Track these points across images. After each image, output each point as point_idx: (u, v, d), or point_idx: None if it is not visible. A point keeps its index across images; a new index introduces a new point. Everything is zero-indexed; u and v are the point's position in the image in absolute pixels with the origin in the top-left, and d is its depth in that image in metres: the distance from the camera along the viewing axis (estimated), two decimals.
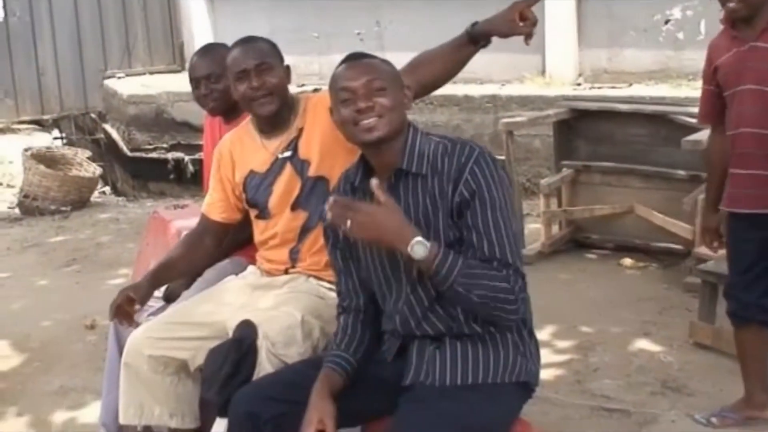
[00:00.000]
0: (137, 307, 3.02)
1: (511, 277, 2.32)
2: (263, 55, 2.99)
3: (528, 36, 2.98)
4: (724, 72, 3.41)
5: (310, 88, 6.07)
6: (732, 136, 3.42)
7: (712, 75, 3.49)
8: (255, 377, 2.70)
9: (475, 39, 3.02)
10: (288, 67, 3.06)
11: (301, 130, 3.02)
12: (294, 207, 3.02)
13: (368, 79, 2.44)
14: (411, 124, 2.51)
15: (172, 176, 9.73)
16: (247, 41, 3.04)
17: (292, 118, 3.03)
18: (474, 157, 2.39)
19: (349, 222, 2.31)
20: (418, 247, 2.28)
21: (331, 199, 2.38)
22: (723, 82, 3.43)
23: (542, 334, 4.40)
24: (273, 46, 3.06)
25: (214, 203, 3.21)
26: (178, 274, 3.27)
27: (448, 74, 3.11)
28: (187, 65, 11.12)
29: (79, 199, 8.87)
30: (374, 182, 2.35)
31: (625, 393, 3.96)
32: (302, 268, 3.05)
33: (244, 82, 2.96)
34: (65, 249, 7.16)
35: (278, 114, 3.01)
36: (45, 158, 9.14)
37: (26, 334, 5.10)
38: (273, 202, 3.04)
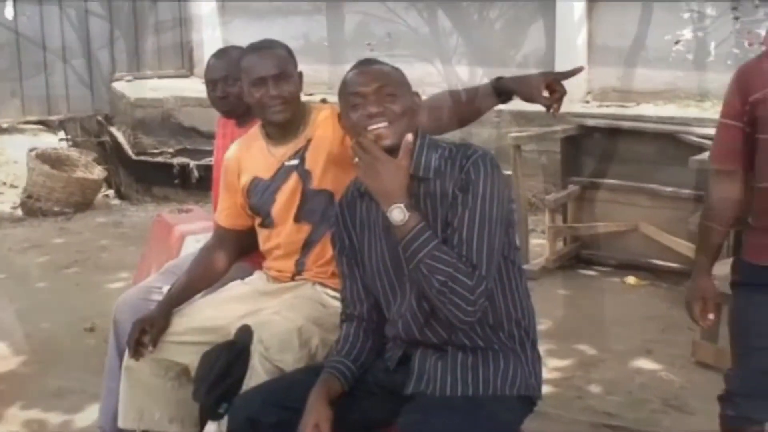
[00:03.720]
0: (149, 346, 2.93)
1: (475, 277, 2.29)
2: (282, 64, 2.94)
3: (549, 108, 2.86)
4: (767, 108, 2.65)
5: (318, 97, 6.04)
6: (764, 189, 2.70)
7: (742, 110, 2.71)
8: (247, 381, 2.67)
9: (499, 93, 2.96)
10: (301, 74, 3.02)
11: (309, 141, 2.98)
12: (297, 219, 2.99)
13: (379, 85, 2.44)
14: (419, 130, 2.51)
15: (176, 181, 9.71)
16: (266, 47, 2.99)
17: (301, 127, 3.00)
18: (474, 157, 2.38)
19: (357, 159, 2.36)
20: (397, 212, 2.31)
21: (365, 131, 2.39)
22: (764, 121, 2.66)
23: (544, 349, 4.35)
24: (290, 53, 3.01)
25: (225, 210, 3.18)
26: (194, 295, 3.14)
27: (466, 119, 3.03)
28: (195, 70, 11.22)
29: (82, 201, 8.85)
30: (408, 137, 2.38)
31: (627, 410, 3.94)
32: (309, 276, 3.02)
33: (260, 89, 2.91)
34: (67, 251, 7.14)
35: (289, 122, 2.97)
36: (50, 159, 9.12)
37: (25, 336, 5.07)
38: (276, 209, 3.01)
